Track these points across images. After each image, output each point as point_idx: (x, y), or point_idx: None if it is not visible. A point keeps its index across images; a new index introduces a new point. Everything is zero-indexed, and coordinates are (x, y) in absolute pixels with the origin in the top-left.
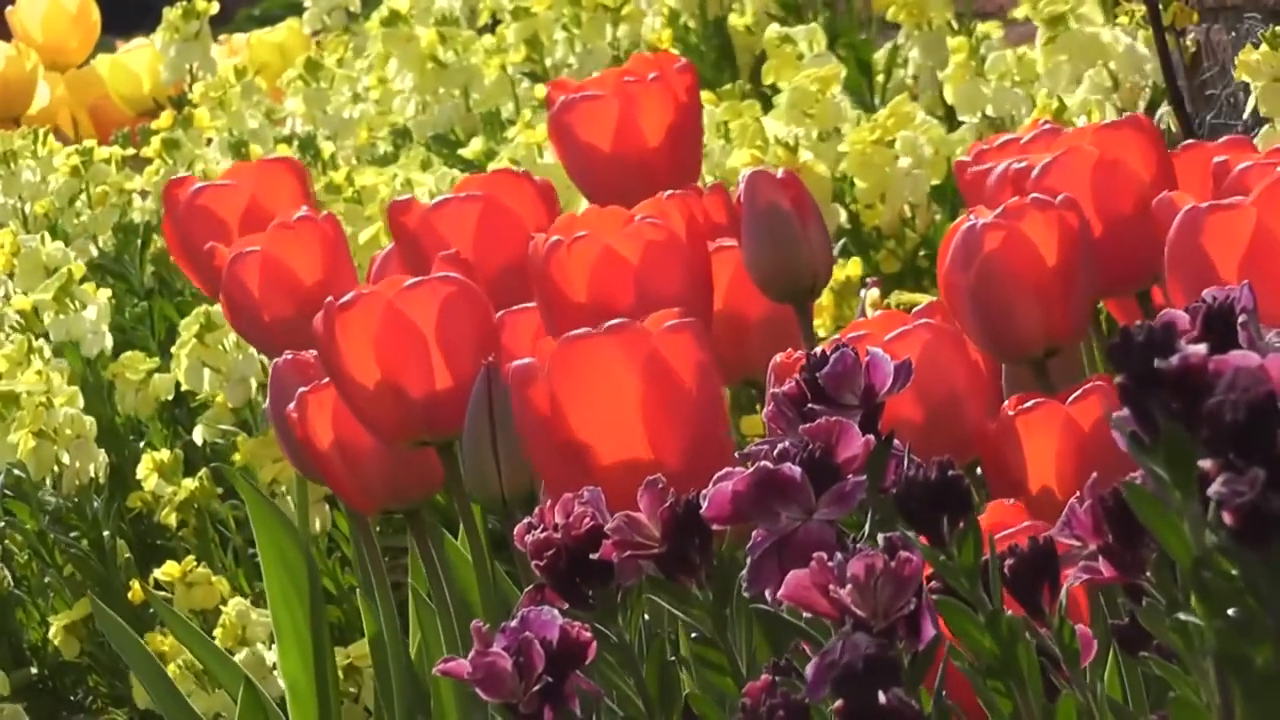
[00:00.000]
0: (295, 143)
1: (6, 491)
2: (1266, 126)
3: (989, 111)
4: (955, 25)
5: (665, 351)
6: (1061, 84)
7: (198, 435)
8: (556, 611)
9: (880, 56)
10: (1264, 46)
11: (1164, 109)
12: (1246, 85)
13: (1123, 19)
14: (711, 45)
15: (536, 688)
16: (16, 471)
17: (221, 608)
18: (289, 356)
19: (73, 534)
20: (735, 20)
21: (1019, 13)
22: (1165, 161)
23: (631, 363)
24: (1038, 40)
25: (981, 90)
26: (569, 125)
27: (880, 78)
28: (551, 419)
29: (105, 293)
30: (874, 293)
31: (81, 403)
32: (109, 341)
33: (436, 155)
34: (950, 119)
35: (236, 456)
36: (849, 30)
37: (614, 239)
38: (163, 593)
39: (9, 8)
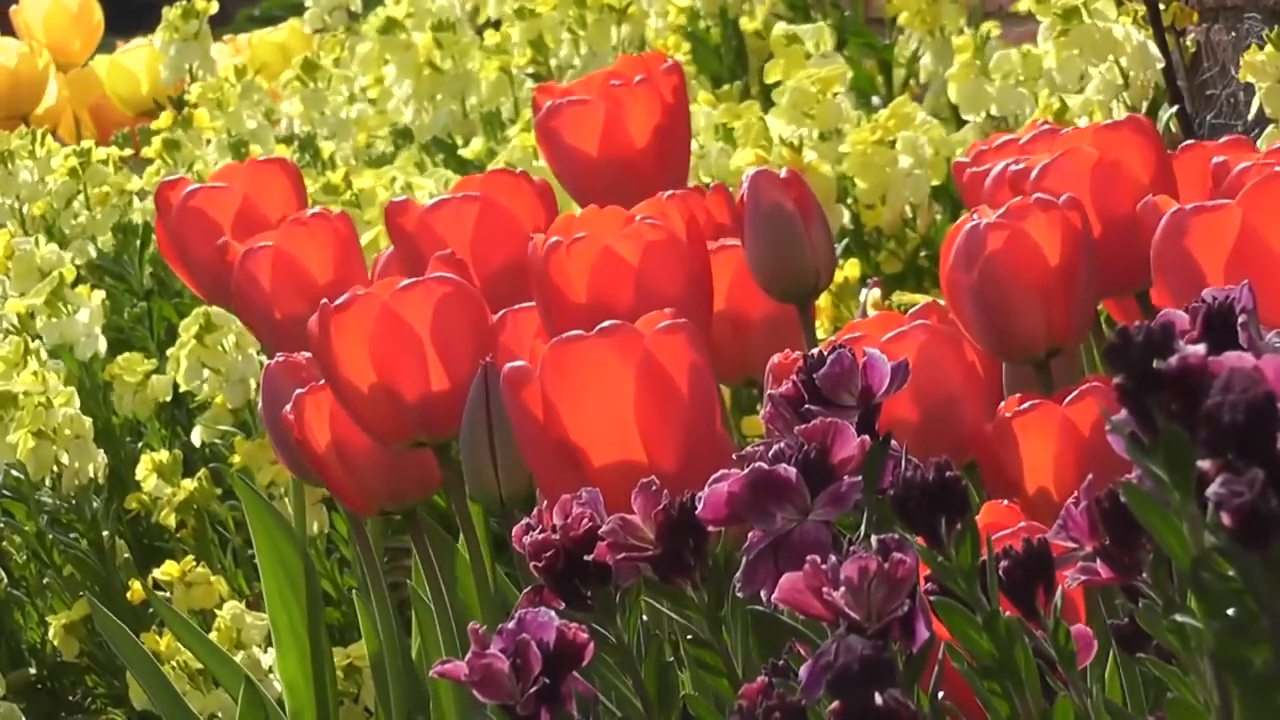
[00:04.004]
0: (295, 143)
1: (4, 492)
2: (1270, 127)
3: (993, 111)
4: (966, 31)
5: (658, 353)
6: (1073, 79)
7: (196, 436)
8: (553, 613)
9: (899, 51)
10: (1269, 48)
11: (1170, 109)
12: (1246, 85)
13: (1124, 18)
14: (730, 46)
15: (533, 689)
16: (14, 472)
17: (217, 611)
18: (281, 358)
19: (72, 534)
20: (745, 24)
21: (1021, 6)
22: (1165, 162)
23: (625, 365)
24: (1040, 35)
25: (986, 89)
26: (555, 130)
27: (901, 73)
28: (545, 422)
29: (99, 295)
30: (875, 293)
31: (77, 404)
32: (103, 344)
33: (433, 157)
34: (957, 120)
35: (235, 458)
36: (862, 30)
37: (613, 240)
38: (162, 593)
39: (12, 7)
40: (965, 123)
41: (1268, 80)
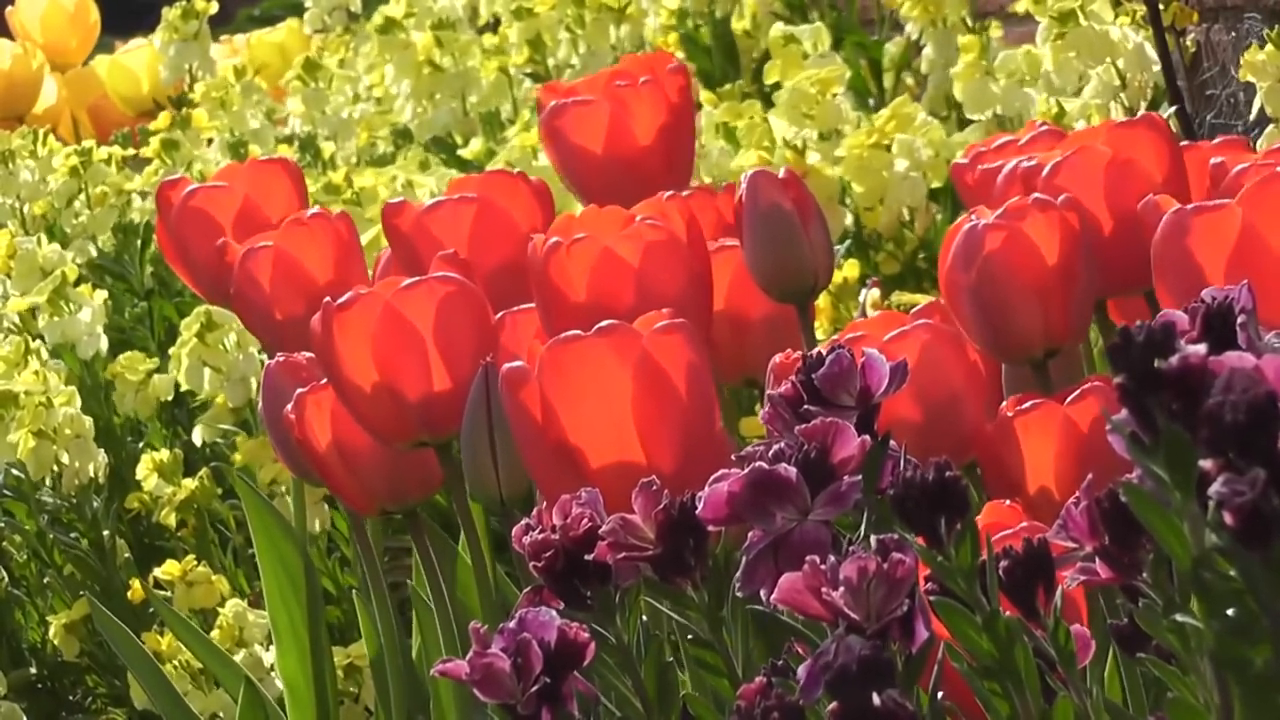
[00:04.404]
0: (296, 143)
1: (5, 492)
2: (1271, 127)
3: (998, 110)
4: (969, 23)
5: (656, 353)
6: (1070, 81)
7: (197, 435)
8: (555, 612)
9: (892, 49)
10: (1269, 47)
11: (1169, 109)
12: (1246, 85)
13: (1123, 19)
14: (720, 45)
15: (534, 688)
16: (15, 472)
17: (219, 609)
18: (281, 358)
19: (72, 534)
20: (735, 24)
21: (1019, 7)
22: (1178, 161)
23: (622, 365)
24: (1039, 37)
25: (991, 89)
26: (560, 129)
27: (890, 77)
28: (543, 422)
29: (101, 294)
30: (874, 293)
31: (79, 403)
32: (104, 343)
33: (436, 157)
34: (957, 118)
35: (236, 456)
36: (855, 29)
37: (613, 240)
38: (163, 592)
39: (8, 8)
40: (963, 120)
41: (1268, 79)
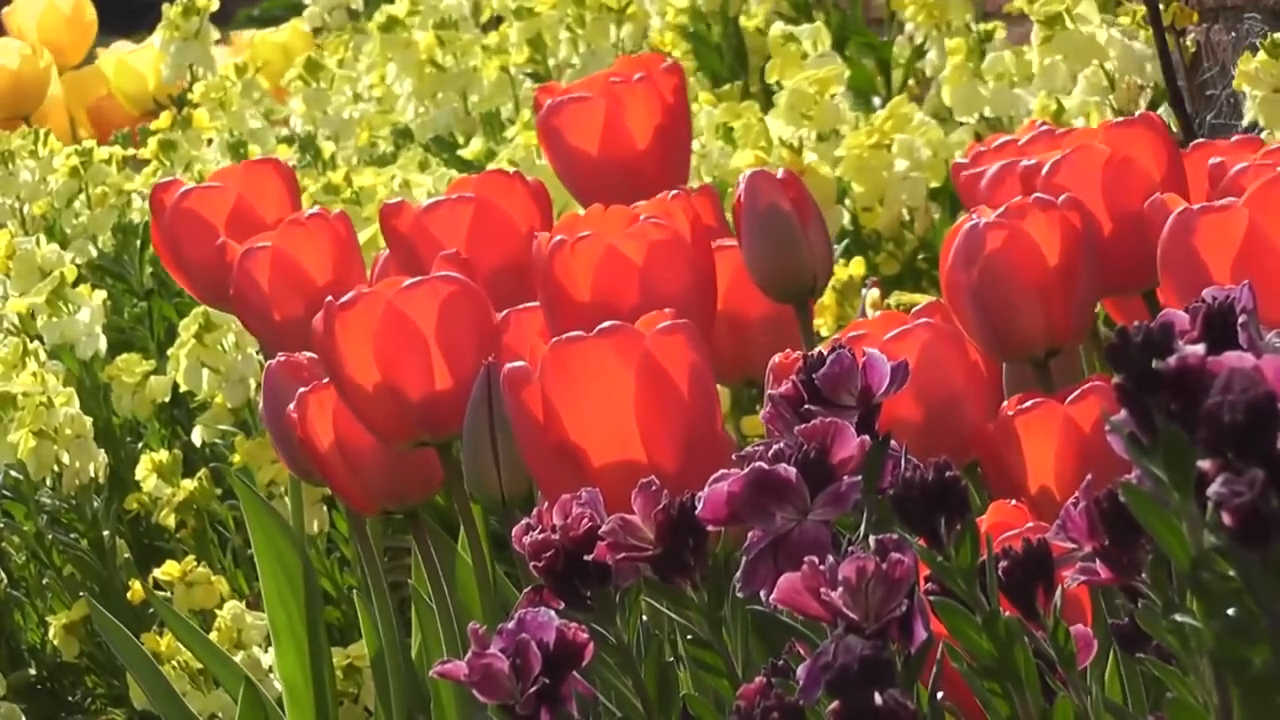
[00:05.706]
0: (296, 143)
1: (4, 492)
2: (1266, 133)
3: (987, 113)
4: (973, 27)
5: (658, 353)
6: (1057, 84)
7: (196, 436)
8: (554, 613)
9: (899, 51)
10: (1262, 54)
11: (1164, 109)
12: None
13: (1123, 19)
14: (730, 45)
15: (533, 689)
16: (14, 473)
17: (217, 611)
18: (282, 359)
19: (72, 534)
20: (745, 22)
21: (1013, 6)
22: (1176, 160)
23: (625, 365)
24: (1034, 39)
25: (979, 91)
26: (557, 128)
27: (899, 75)
28: (545, 422)
29: (100, 295)
30: (874, 293)
31: (78, 404)
32: (103, 344)
33: (436, 157)
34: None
35: (235, 457)
36: (862, 29)
37: (618, 239)
38: (162, 592)
39: (5, 9)
40: (965, 122)
41: (1263, 89)
